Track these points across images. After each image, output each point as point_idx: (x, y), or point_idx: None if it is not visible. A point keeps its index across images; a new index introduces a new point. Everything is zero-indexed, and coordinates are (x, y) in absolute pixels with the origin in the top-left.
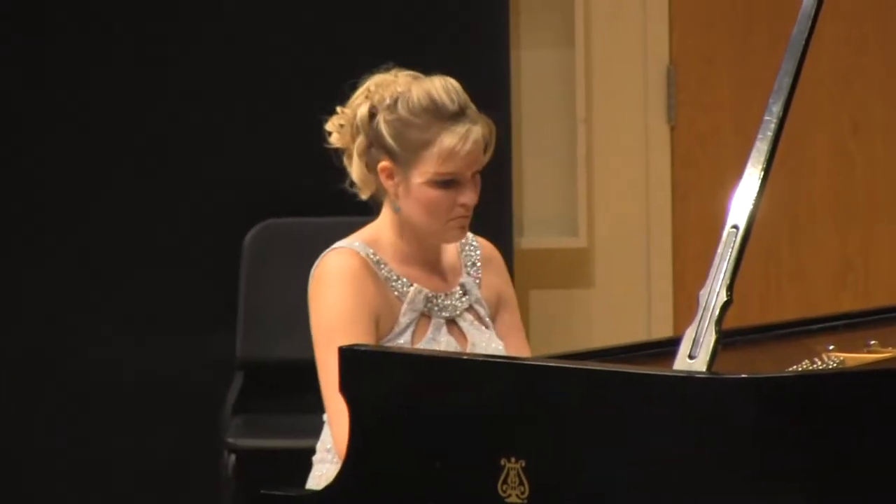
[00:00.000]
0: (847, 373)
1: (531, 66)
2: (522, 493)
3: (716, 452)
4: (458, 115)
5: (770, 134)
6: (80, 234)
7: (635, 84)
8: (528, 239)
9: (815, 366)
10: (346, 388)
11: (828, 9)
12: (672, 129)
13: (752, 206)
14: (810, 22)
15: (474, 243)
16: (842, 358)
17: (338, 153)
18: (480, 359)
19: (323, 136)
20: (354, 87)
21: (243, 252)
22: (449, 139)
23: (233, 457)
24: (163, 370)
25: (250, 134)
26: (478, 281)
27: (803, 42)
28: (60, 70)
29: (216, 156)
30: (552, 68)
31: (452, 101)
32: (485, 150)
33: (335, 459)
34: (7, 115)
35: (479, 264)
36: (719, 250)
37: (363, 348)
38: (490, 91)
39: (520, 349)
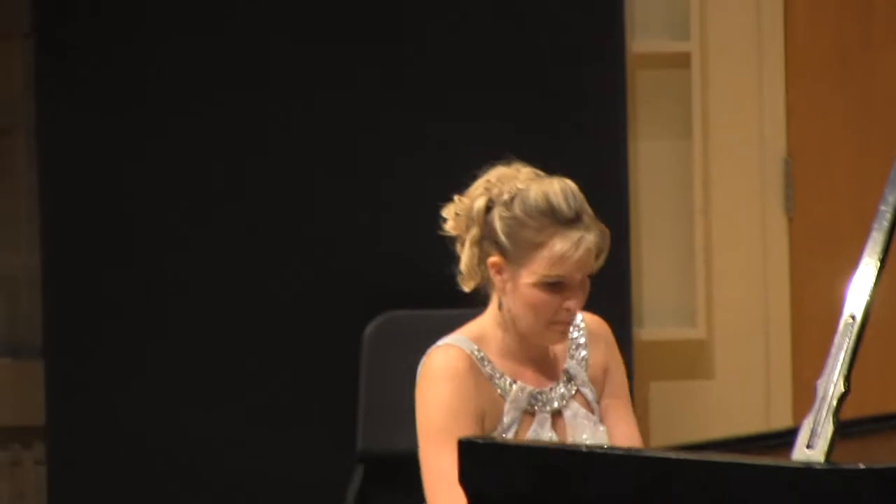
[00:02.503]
0: None
1: (649, 156)
2: None
3: None
4: (573, 221)
5: (886, 224)
6: (203, 325)
7: (752, 175)
8: (648, 330)
9: None
10: (465, 479)
11: None
12: (790, 220)
13: (868, 296)
14: None
15: (580, 322)
16: None
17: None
18: (601, 451)
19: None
20: (475, 177)
21: (364, 344)
22: (561, 244)
23: None
24: (283, 463)
25: (372, 225)
26: (583, 362)
27: None
28: (170, 162)
29: (337, 247)
30: (670, 159)
31: (569, 206)
32: (597, 257)
33: None
34: (121, 190)
35: (584, 342)
36: (836, 340)
37: (482, 440)
38: (608, 181)
39: (631, 439)
